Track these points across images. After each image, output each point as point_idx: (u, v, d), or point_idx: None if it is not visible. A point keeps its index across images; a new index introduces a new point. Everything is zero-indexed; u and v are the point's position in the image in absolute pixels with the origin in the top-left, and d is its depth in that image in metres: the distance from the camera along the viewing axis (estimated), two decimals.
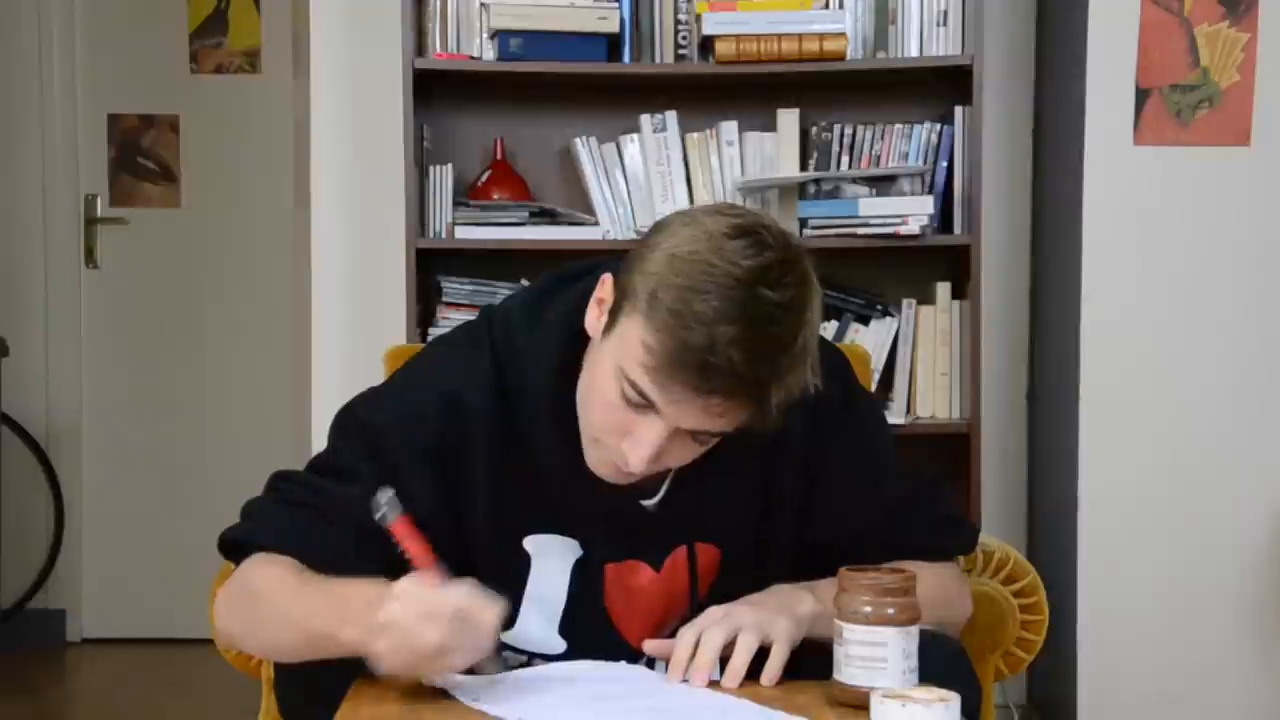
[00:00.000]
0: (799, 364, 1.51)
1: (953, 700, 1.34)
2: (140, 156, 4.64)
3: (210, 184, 4.63)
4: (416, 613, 1.41)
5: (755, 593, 1.62)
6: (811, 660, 1.55)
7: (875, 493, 1.74)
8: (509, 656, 1.59)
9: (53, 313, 4.60)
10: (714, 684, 1.53)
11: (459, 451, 1.64)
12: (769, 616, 1.56)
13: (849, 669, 1.46)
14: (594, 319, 1.58)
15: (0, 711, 3.95)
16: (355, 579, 1.50)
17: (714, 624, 1.55)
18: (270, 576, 1.58)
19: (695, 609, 1.67)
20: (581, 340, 1.62)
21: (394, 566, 1.52)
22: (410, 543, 1.53)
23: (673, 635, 1.60)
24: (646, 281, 1.50)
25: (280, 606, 1.55)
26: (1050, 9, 3.51)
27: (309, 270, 3.65)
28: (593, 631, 1.68)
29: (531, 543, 1.66)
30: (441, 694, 1.48)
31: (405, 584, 1.45)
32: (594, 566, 1.66)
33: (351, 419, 1.69)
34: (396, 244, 3.30)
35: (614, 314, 1.54)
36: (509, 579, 1.63)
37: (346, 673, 1.54)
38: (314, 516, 1.62)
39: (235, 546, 1.65)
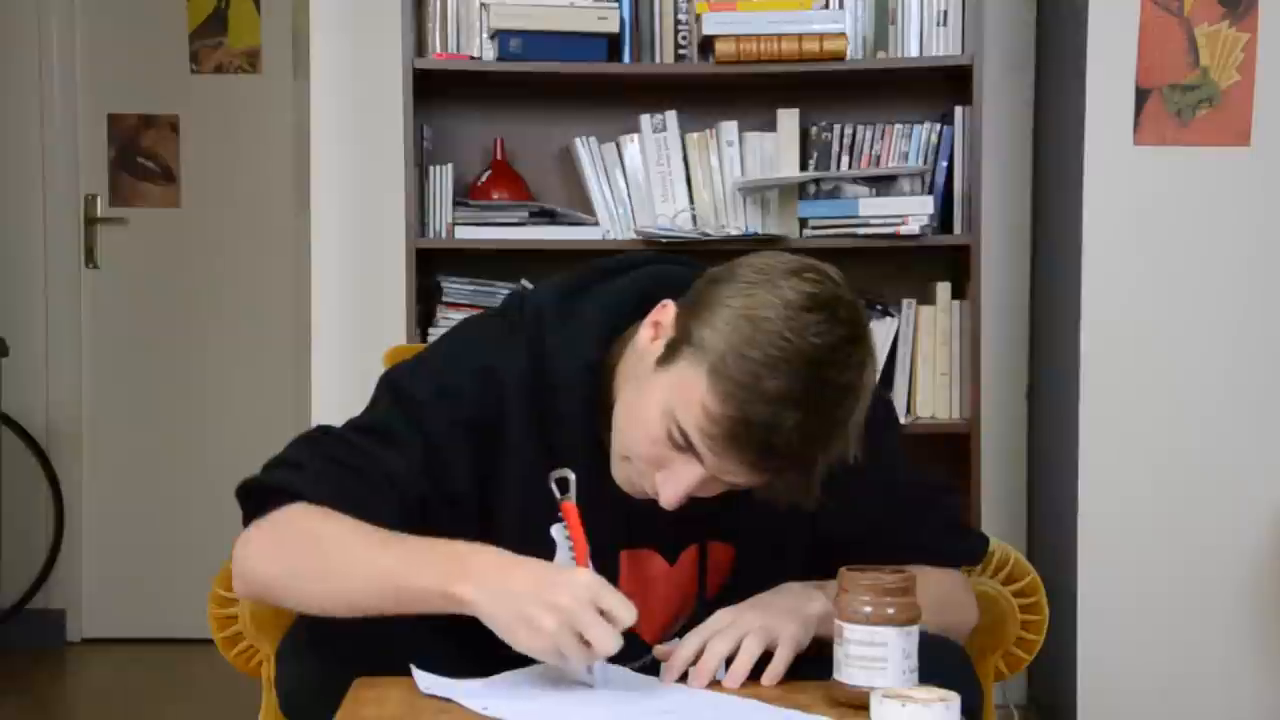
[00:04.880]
0: (849, 439, 1.53)
1: (953, 700, 1.34)
2: (140, 156, 4.64)
3: (210, 184, 4.63)
4: (592, 607, 1.44)
5: (765, 591, 1.63)
6: (811, 660, 1.55)
7: (887, 492, 1.74)
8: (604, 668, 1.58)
9: (53, 313, 4.60)
10: (715, 683, 1.53)
11: (495, 429, 1.66)
12: (776, 620, 1.56)
13: (849, 669, 1.46)
14: (647, 340, 1.58)
15: (0, 712, 3.95)
16: (443, 539, 1.53)
17: (720, 631, 1.55)
18: (339, 522, 1.57)
19: (701, 608, 1.68)
20: (614, 341, 1.63)
21: (430, 535, 1.56)
22: (575, 529, 1.56)
23: (681, 636, 1.60)
24: (715, 340, 1.49)
25: (359, 552, 1.54)
26: (1050, 9, 3.51)
27: (309, 270, 3.65)
28: None
29: (559, 531, 1.66)
30: (445, 699, 1.49)
31: (589, 577, 1.48)
32: (609, 553, 1.67)
33: (394, 388, 1.70)
34: (396, 244, 3.30)
35: (672, 349, 1.54)
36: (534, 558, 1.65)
37: (352, 670, 1.55)
38: (361, 476, 1.63)
39: (269, 495, 1.63)
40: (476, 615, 1.47)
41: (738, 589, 1.67)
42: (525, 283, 3.19)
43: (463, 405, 1.65)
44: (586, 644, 1.44)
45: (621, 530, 1.67)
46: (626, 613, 1.45)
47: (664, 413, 1.52)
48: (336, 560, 1.56)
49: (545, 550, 1.64)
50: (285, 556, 1.61)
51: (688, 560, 1.70)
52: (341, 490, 1.61)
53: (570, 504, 1.58)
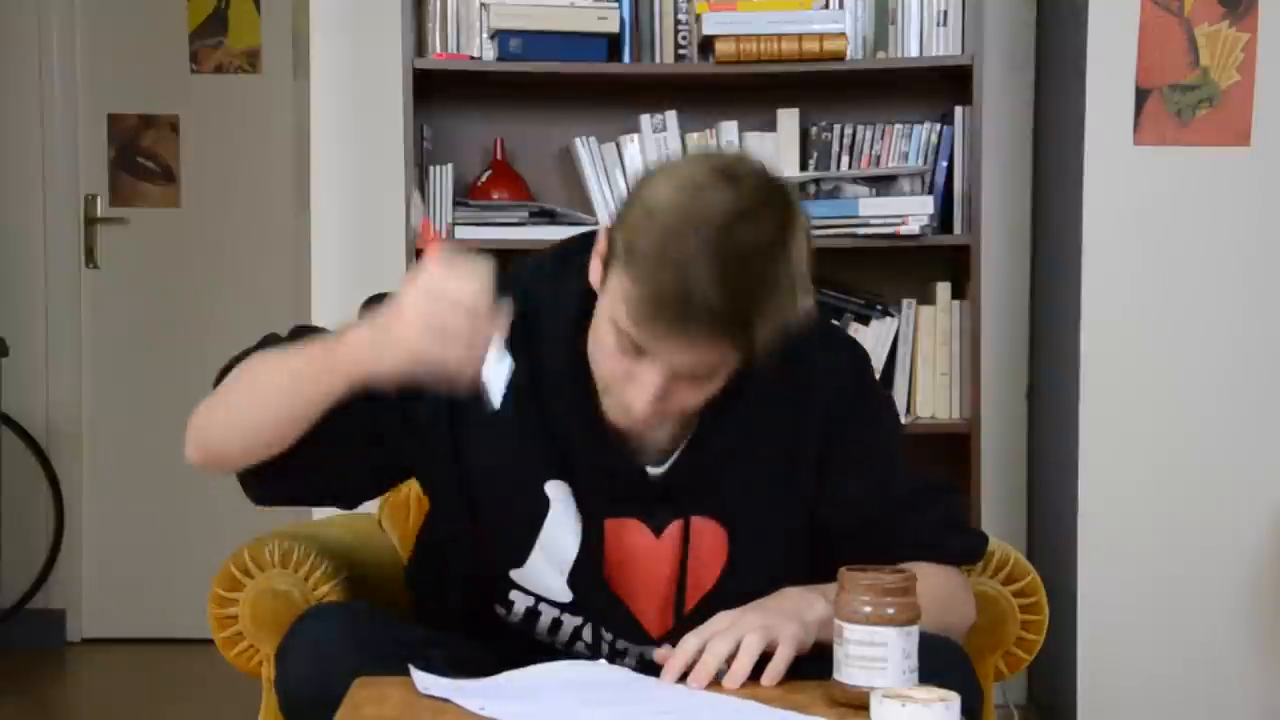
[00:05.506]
0: (783, 298, 1.53)
1: (953, 700, 1.34)
2: (140, 156, 4.64)
3: (210, 184, 4.63)
4: (440, 280, 1.48)
5: (767, 585, 1.63)
6: (811, 660, 1.55)
7: (886, 485, 1.74)
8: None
9: (53, 313, 4.60)
10: (715, 683, 1.53)
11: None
12: (777, 621, 1.56)
13: (849, 669, 1.46)
14: (595, 273, 1.62)
15: (0, 712, 3.95)
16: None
17: (720, 633, 1.55)
18: (254, 357, 1.69)
19: (683, 588, 1.70)
20: (595, 297, 1.65)
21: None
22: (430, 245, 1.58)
23: (678, 631, 1.61)
24: (628, 234, 1.54)
25: (266, 369, 1.65)
26: (1050, 9, 3.51)
27: (309, 270, 3.65)
28: (598, 588, 1.70)
29: (554, 487, 1.68)
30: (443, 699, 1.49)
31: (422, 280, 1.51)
32: (594, 521, 1.68)
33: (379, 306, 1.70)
34: (396, 244, 3.30)
35: (606, 267, 1.58)
36: (525, 518, 1.68)
37: (352, 670, 1.55)
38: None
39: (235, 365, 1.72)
40: (373, 371, 1.54)
41: (735, 576, 1.68)
42: None
43: None
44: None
45: (606, 499, 1.68)
46: (461, 277, 1.49)
47: (610, 324, 1.56)
48: (250, 384, 1.67)
49: (538, 506, 1.66)
50: (211, 405, 1.70)
51: (673, 535, 1.71)
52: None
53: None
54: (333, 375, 1.58)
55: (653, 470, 1.69)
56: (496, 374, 1.54)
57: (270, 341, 1.75)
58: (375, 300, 1.72)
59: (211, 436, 1.71)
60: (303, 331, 1.77)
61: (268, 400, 1.64)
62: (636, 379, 1.56)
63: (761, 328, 1.52)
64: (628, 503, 1.69)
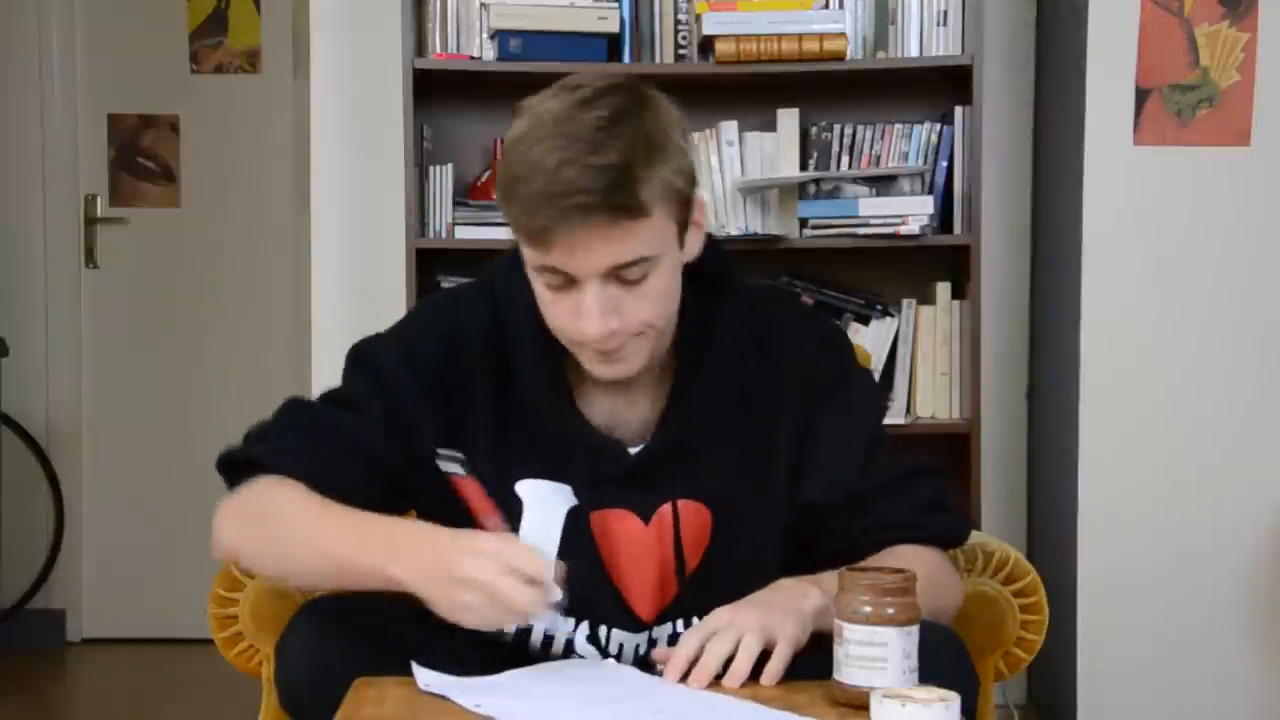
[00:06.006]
0: (651, 152, 1.56)
1: (953, 700, 1.34)
2: (140, 156, 4.64)
3: (210, 184, 4.63)
4: (506, 573, 1.46)
5: (751, 565, 1.65)
6: (811, 660, 1.55)
7: (867, 466, 1.74)
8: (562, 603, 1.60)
9: (53, 313, 4.60)
10: (715, 683, 1.53)
11: (459, 390, 1.70)
12: (774, 619, 1.55)
13: (849, 669, 1.46)
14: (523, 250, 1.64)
15: (0, 712, 3.95)
16: (388, 517, 1.58)
17: (718, 631, 1.55)
18: (290, 499, 1.64)
19: (682, 578, 1.70)
20: None
21: (398, 496, 1.68)
22: (476, 500, 1.58)
23: (673, 615, 1.64)
24: (499, 174, 1.59)
25: (306, 530, 1.61)
26: (1050, 9, 3.51)
27: (309, 270, 3.65)
28: (585, 581, 1.68)
29: (524, 487, 1.68)
30: (441, 696, 1.49)
31: (493, 542, 1.51)
32: (581, 515, 1.69)
33: (360, 357, 1.76)
34: (396, 244, 3.30)
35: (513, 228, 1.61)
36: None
37: (352, 668, 1.55)
38: (327, 445, 1.68)
39: (244, 465, 1.70)
40: (418, 596, 1.52)
41: (719, 558, 1.70)
42: None
43: (429, 372, 1.71)
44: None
45: (590, 492, 1.69)
46: (538, 567, 1.48)
47: (533, 274, 1.60)
48: (290, 536, 1.63)
49: (513, 508, 1.66)
50: (248, 529, 1.68)
51: (661, 520, 1.71)
52: (306, 459, 1.67)
53: (467, 479, 1.60)
54: (373, 581, 1.56)
55: (631, 450, 1.70)
56: (551, 617, 1.55)
57: (283, 425, 1.73)
58: (363, 349, 1.76)
59: (245, 559, 1.76)
60: (297, 410, 1.76)
61: (307, 568, 1.64)
62: (580, 309, 1.58)
63: (642, 185, 1.53)
64: (612, 491, 1.70)
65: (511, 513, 1.64)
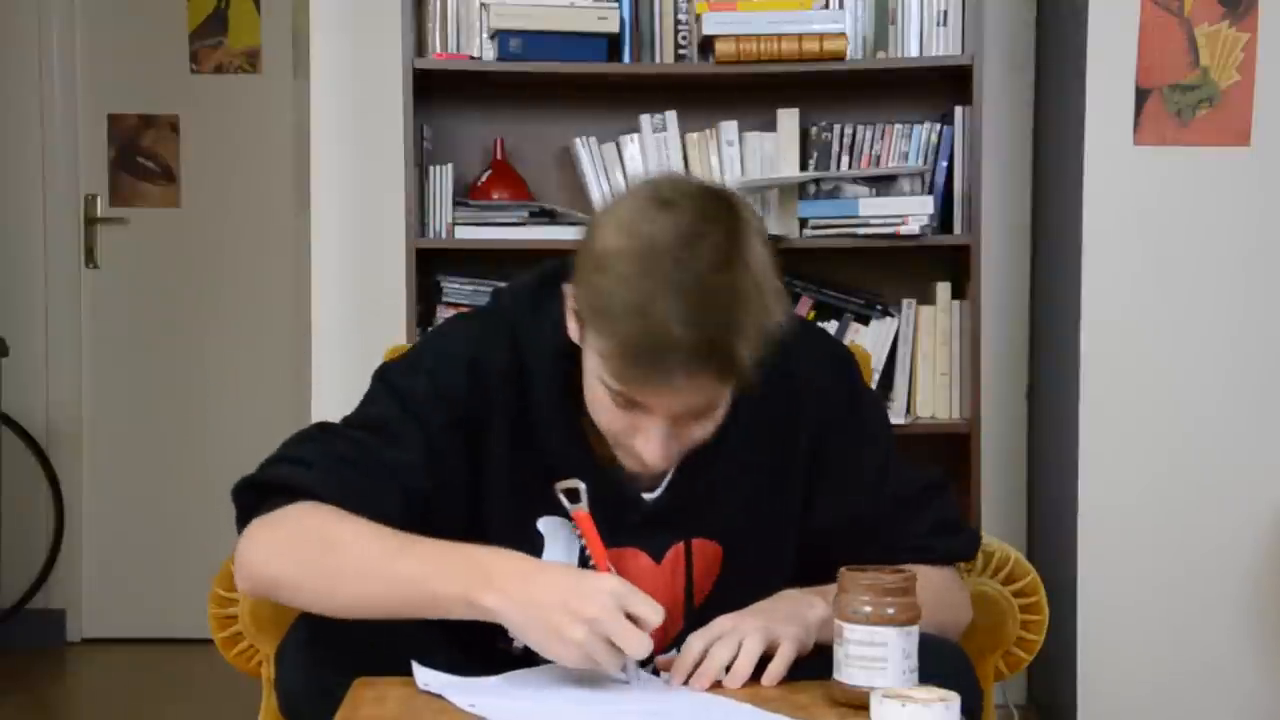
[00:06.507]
0: (754, 313, 1.50)
1: (953, 700, 1.34)
2: (140, 156, 4.64)
3: (210, 184, 4.62)
4: (623, 615, 1.45)
5: (759, 593, 1.63)
6: (811, 660, 1.55)
7: (878, 488, 1.74)
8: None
9: (53, 313, 4.60)
10: (716, 684, 1.53)
11: (483, 422, 1.68)
12: (777, 623, 1.56)
13: (849, 669, 1.46)
14: (573, 331, 1.60)
15: (0, 712, 3.95)
16: (464, 544, 1.54)
17: (722, 637, 1.55)
18: (353, 524, 1.57)
19: (690, 611, 1.69)
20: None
21: (427, 526, 1.58)
22: (591, 537, 1.58)
23: (677, 645, 1.61)
24: (588, 295, 1.52)
25: (373, 554, 1.54)
26: (1050, 9, 3.51)
27: (309, 270, 3.65)
28: None
29: (545, 524, 1.67)
30: (439, 696, 1.49)
31: (615, 583, 1.48)
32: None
33: (391, 386, 1.71)
34: (396, 244, 3.30)
35: (580, 324, 1.56)
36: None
37: (352, 670, 1.55)
38: (364, 475, 1.63)
39: (274, 488, 1.63)
40: (503, 624, 1.49)
41: (727, 589, 1.68)
42: None
43: (457, 403, 1.67)
44: (616, 648, 1.45)
45: (605, 530, 1.67)
46: (654, 614, 1.46)
47: (598, 382, 1.54)
48: (352, 563, 1.55)
49: (533, 545, 1.65)
50: (296, 556, 1.59)
51: (673, 559, 1.70)
52: (348, 487, 1.61)
53: (583, 512, 1.59)
54: (446, 609, 1.52)
55: (647, 496, 1.69)
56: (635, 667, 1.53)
57: (317, 451, 1.66)
58: (392, 375, 1.71)
59: (286, 590, 1.63)
60: (331, 436, 1.69)
61: (367, 596, 1.55)
62: (642, 430, 1.55)
63: (742, 349, 1.49)
64: (626, 532, 1.68)
65: (532, 550, 1.64)
